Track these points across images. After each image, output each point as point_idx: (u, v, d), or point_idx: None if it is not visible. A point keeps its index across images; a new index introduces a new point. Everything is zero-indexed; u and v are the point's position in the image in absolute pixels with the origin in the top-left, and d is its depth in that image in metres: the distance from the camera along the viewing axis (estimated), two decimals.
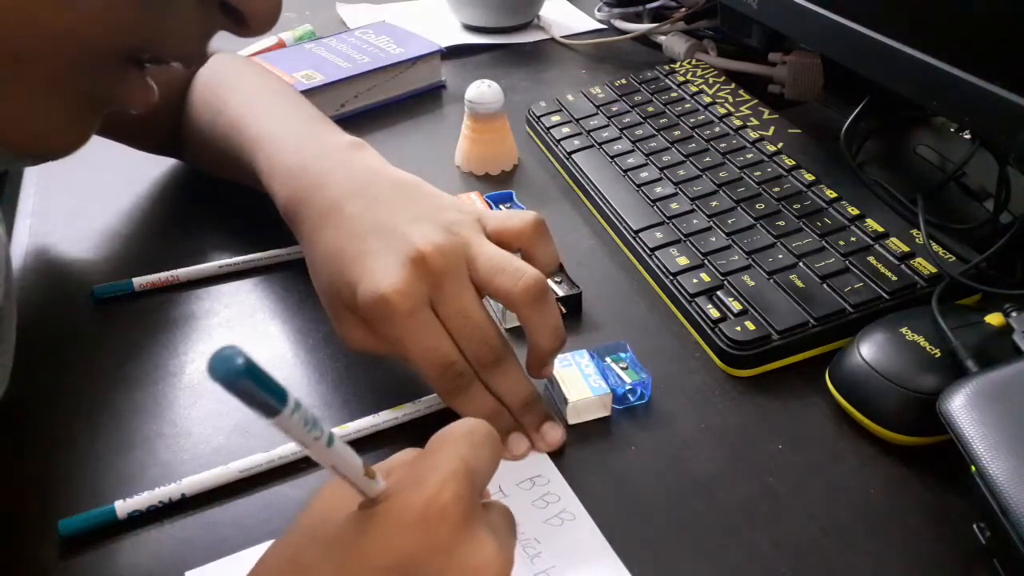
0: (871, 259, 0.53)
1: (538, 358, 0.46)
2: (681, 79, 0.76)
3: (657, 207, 0.60)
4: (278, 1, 0.37)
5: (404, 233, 0.44)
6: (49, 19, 0.32)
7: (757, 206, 0.59)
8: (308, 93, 0.74)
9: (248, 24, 0.37)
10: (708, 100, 0.72)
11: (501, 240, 0.46)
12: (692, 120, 0.70)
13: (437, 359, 0.43)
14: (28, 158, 0.39)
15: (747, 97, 0.72)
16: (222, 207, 0.65)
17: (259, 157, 0.54)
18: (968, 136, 0.64)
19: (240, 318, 0.56)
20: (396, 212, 0.46)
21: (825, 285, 0.52)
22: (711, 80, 0.76)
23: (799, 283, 0.52)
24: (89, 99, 0.36)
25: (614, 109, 0.73)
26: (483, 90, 0.68)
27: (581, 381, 0.47)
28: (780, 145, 0.65)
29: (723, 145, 0.66)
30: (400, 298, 0.42)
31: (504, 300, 0.44)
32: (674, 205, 0.60)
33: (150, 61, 0.38)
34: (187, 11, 0.36)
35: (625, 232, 0.59)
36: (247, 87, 0.61)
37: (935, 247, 0.53)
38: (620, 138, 0.69)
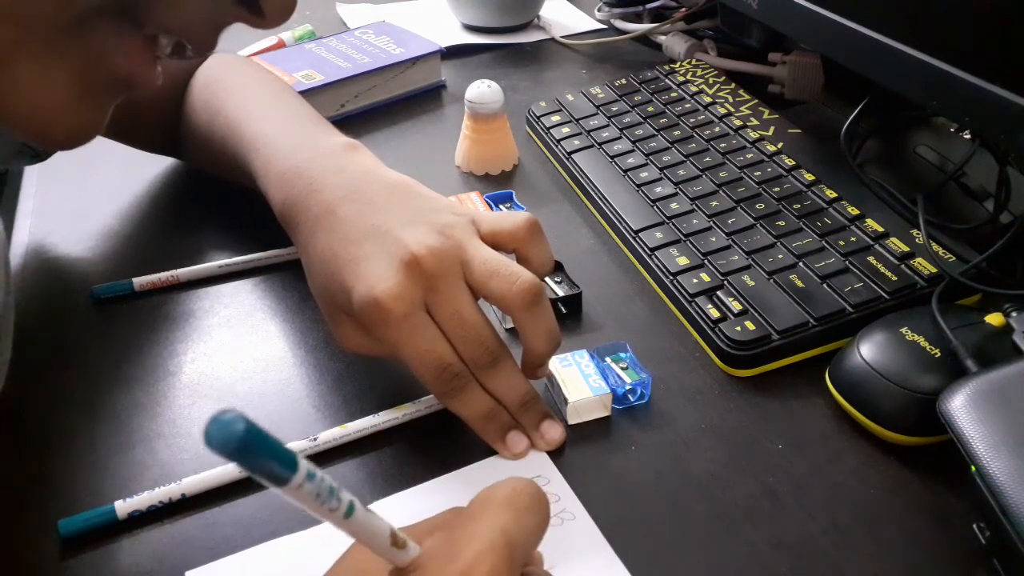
0: (871, 259, 0.53)
1: (533, 361, 0.46)
2: (681, 79, 0.76)
3: (657, 207, 0.60)
4: None
5: (398, 236, 0.44)
6: None
7: (757, 206, 0.59)
8: (308, 93, 0.74)
9: (264, 15, 0.36)
10: (708, 100, 0.72)
11: (495, 242, 0.46)
12: (692, 120, 0.70)
13: (433, 361, 0.43)
14: (40, 143, 0.38)
15: (747, 97, 0.72)
16: (222, 207, 0.65)
17: (255, 160, 0.54)
18: (968, 136, 0.64)
19: (240, 318, 0.56)
20: (390, 215, 0.46)
21: (825, 285, 0.52)
22: (711, 80, 0.76)
23: (799, 283, 0.52)
24: (94, 74, 0.35)
25: (614, 109, 0.73)
26: (483, 90, 0.68)
27: (581, 381, 0.47)
28: (780, 145, 0.65)
29: (723, 145, 0.66)
30: (394, 302, 0.42)
31: (499, 304, 0.44)
32: (674, 205, 0.60)
33: (173, 53, 0.37)
34: None
35: (625, 232, 0.59)
36: (245, 88, 0.61)
37: (935, 247, 0.53)
38: (620, 138, 0.69)
